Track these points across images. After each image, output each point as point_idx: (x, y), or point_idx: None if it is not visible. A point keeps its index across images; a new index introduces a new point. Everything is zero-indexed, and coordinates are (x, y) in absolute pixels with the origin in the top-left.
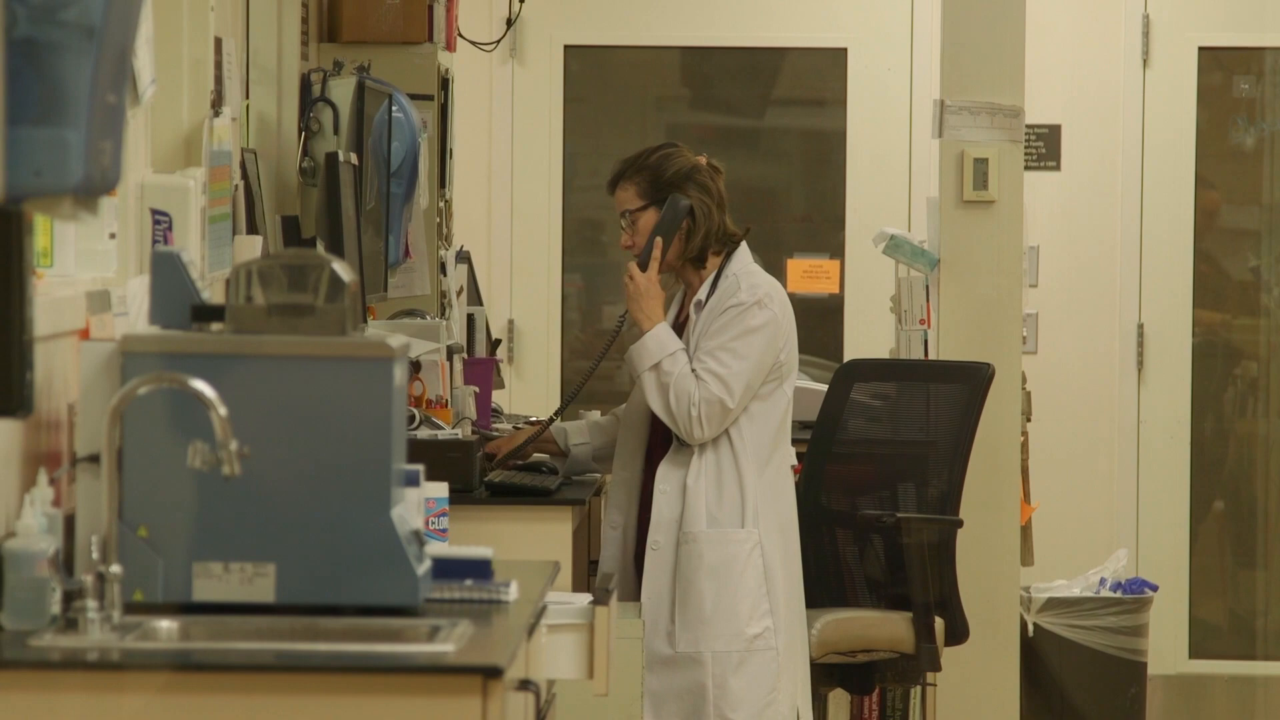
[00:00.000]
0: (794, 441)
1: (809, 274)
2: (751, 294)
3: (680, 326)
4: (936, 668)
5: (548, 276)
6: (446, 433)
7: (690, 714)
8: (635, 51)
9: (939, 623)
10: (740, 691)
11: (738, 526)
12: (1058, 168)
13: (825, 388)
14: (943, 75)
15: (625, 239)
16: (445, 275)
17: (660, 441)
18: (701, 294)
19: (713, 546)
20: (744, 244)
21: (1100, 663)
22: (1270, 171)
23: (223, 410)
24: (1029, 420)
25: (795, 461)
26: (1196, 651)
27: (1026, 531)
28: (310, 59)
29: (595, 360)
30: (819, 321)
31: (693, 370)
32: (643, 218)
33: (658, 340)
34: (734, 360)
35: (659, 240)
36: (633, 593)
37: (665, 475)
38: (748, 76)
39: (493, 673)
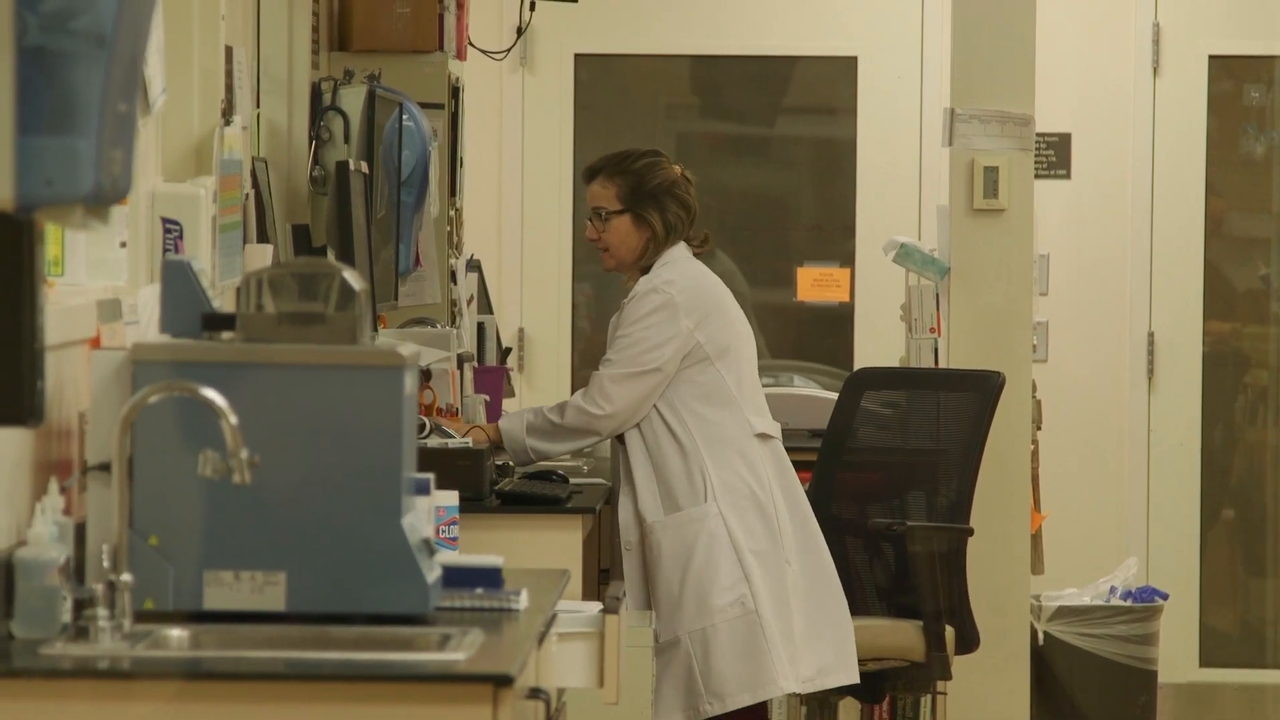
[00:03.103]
0: (804, 449)
1: (819, 282)
2: (646, 285)
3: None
4: (947, 676)
5: (558, 285)
6: (457, 441)
7: (687, 703)
8: (646, 60)
9: (949, 631)
10: (723, 666)
11: (692, 505)
12: (1068, 176)
13: (835, 396)
14: (953, 83)
15: (591, 233)
16: (456, 284)
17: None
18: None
19: (669, 531)
20: (681, 244)
21: (1111, 671)
22: None
23: (233, 419)
24: (1039, 429)
25: (771, 431)
26: (1207, 660)
27: (1037, 540)
28: (321, 68)
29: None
30: (829, 330)
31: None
32: (617, 221)
33: (507, 437)
34: (619, 351)
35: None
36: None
37: (619, 479)
38: (758, 85)
39: (503, 681)
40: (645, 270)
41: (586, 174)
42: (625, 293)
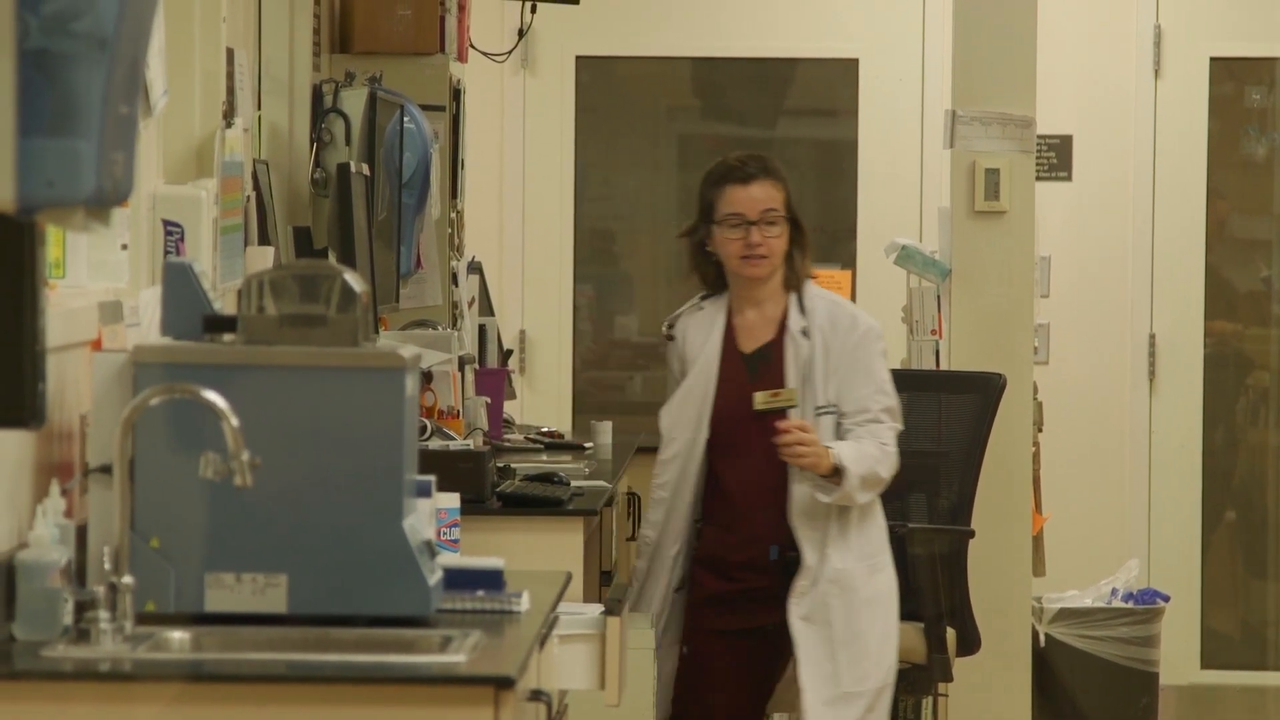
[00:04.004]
0: None
1: (820, 284)
2: (865, 320)
3: (770, 349)
4: (948, 678)
5: (559, 287)
6: (458, 443)
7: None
8: (647, 62)
9: (950, 633)
10: None
11: (879, 554)
12: (1069, 178)
13: None
14: (954, 85)
15: (756, 238)
16: (457, 286)
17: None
18: (796, 322)
19: (864, 580)
20: None
21: (1112, 673)
22: None
23: (234, 421)
24: (1040, 430)
25: None
26: (1208, 662)
27: (1038, 542)
28: (322, 70)
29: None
30: None
31: (860, 415)
32: (783, 227)
33: (851, 460)
34: (889, 385)
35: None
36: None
37: (804, 522)
38: (759, 87)
39: (504, 683)
40: (792, 288)
41: (743, 173)
42: (664, 307)
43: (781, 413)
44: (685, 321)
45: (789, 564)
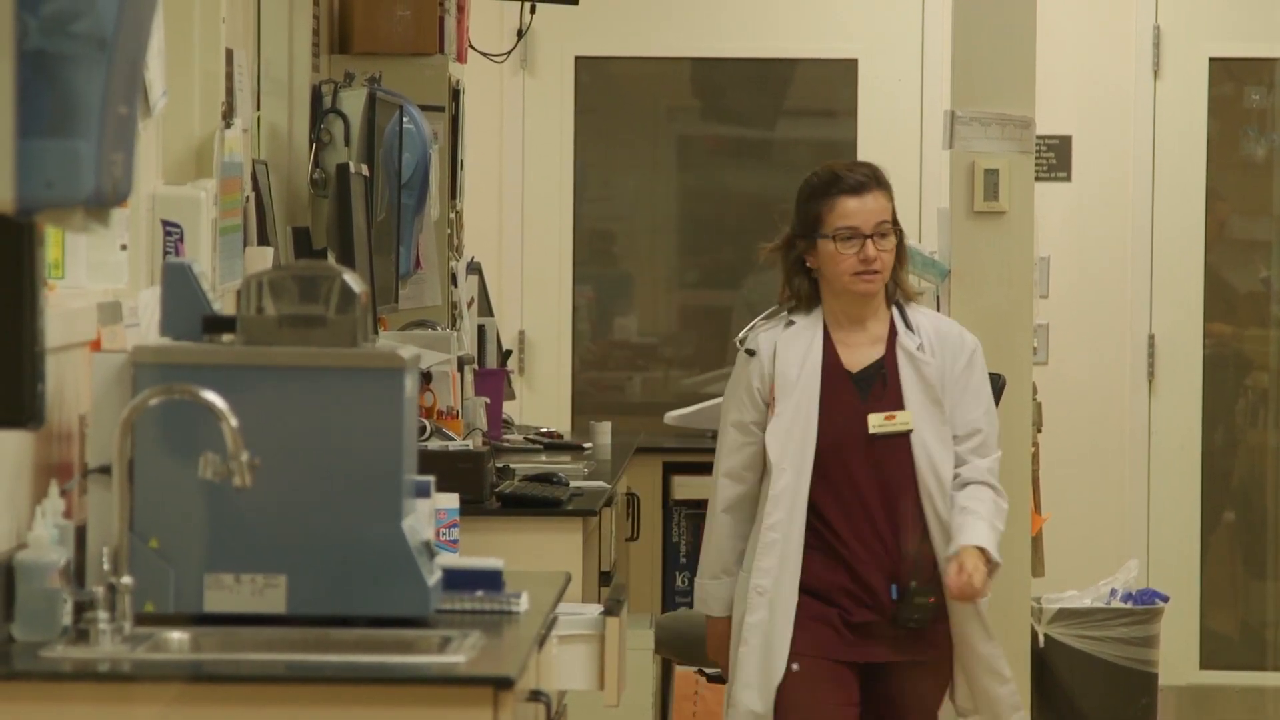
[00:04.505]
0: None
1: None
2: (969, 336)
3: (879, 368)
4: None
5: (558, 287)
6: (457, 444)
7: None
8: (646, 63)
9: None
10: None
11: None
12: (1068, 178)
13: None
14: (953, 86)
15: (871, 252)
16: (456, 286)
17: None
18: (909, 340)
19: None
20: None
21: (1111, 673)
22: None
23: (234, 421)
24: (1040, 431)
25: None
26: (1207, 662)
27: (1037, 542)
28: (321, 70)
29: None
30: None
31: (975, 439)
32: (893, 240)
33: (995, 545)
34: (993, 406)
35: None
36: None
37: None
38: (758, 88)
39: (504, 684)
40: (893, 302)
41: (856, 183)
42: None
43: (895, 437)
44: (769, 337)
45: (913, 601)
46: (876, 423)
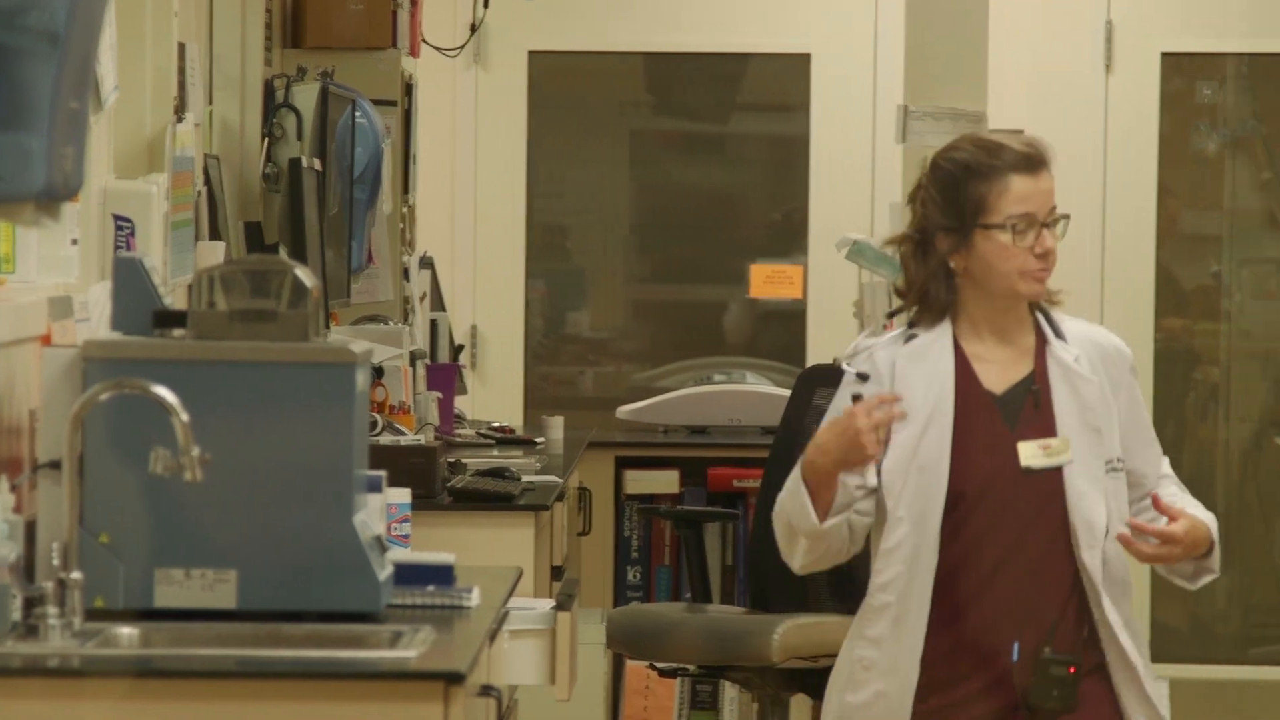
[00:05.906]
0: (755, 446)
1: (772, 279)
2: (1125, 346)
3: (1026, 387)
4: None
5: (511, 282)
6: (409, 439)
7: None
8: (599, 57)
9: None
10: None
11: None
12: None
13: (788, 393)
14: (906, 80)
15: (1050, 243)
16: (408, 281)
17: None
18: (1064, 351)
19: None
20: None
21: None
22: (1232, 177)
23: (184, 416)
24: None
25: None
26: (1158, 655)
27: None
28: (274, 64)
29: None
30: (782, 326)
31: (1162, 480)
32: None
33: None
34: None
35: None
36: None
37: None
38: (711, 82)
39: (454, 678)
40: (1036, 307)
41: (1030, 160)
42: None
43: (1048, 472)
44: (885, 356)
45: (1047, 673)
46: (1030, 453)
